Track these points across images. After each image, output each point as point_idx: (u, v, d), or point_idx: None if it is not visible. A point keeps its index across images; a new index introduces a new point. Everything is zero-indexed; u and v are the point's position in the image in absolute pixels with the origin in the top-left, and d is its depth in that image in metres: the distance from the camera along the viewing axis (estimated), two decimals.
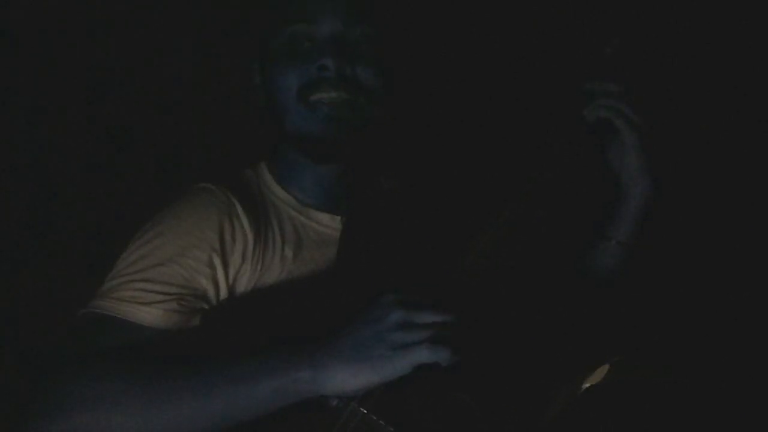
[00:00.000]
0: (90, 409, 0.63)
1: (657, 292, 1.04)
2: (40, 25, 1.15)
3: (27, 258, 1.16)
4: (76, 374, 0.66)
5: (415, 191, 1.00)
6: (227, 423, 0.66)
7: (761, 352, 1.01)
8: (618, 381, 0.78)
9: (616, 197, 0.89)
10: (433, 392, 0.70)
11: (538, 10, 1.22)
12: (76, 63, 1.17)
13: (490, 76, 1.26)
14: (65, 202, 1.18)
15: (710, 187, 1.18)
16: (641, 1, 0.99)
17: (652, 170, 0.87)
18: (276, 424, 0.67)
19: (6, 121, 1.15)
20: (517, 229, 0.79)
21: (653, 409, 0.79)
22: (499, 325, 0.84)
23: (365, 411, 0.67)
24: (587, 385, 0.78)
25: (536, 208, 0.80)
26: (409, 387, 0.66)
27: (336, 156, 0.87)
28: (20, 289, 1.16)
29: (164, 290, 0.74)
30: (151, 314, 0.72)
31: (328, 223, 0.89)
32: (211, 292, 0.78)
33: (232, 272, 0.80)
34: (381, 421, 0.67)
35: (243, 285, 0.81)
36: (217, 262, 0.78)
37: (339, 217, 0.89)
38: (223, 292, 0.79)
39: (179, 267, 0.75)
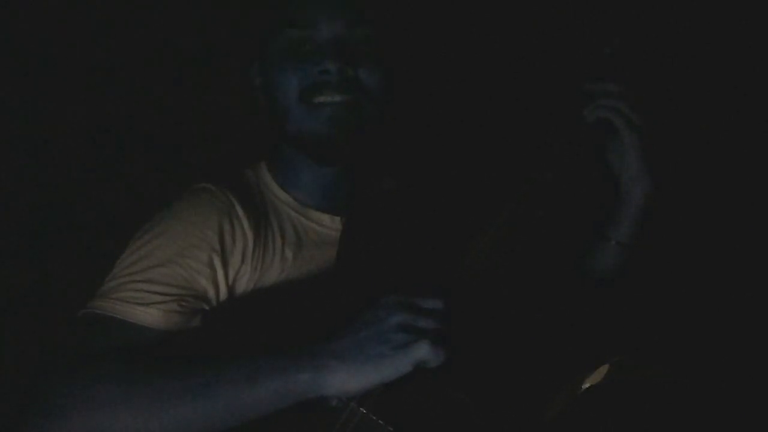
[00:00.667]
0: (89, 410, 0.63)
1: (657, 292, 1.04)
2: (40, 25, 1.15)
3: (27, 258, 1.17)
4: (76, 375, 0.66)
5: (415, 192, 1.00)
6: (227, 424, 0.66)
7: (761, 352, 1.01)
8: (618, 381, 0.78)
9: (616, 197, 0.89)
10: (432, 392, 0.70)
11: (538, 10, 1.22)
12: (76, 63, 1.18)
13: (490, 76, 1.26)
14: (65, 202, 1.18)
15: (710, 187, 1.18)
16: (641, 1, 0.99)
17: (652, 170, 0.86)
18: (276, 424, 0.67)
19: (6, 121, 1.15)
20: (517, 229, 0.79)
21: (653, 409, 0.79)
22: (498, 325, 0.85)
23: (365, 411, 0.67)
24: (587, 385, 0.78)
25: (536, 209, 0.80)
26: (409, 387, 0.67)
27: (338, 157, 0.87)
28: (20, 289, 1.16)
29: (164, 291, 0.74)
30: (151, 315, 0.72)
31: (328, 224, 0.89)
32: (211, 293, 0.78)
33: (232, 273, 0.80)
34: (380, 421, 0.67)
35: (243, 286, 0.81)
36: (217, 262, 0.78)
37: (339, 218, 0.89)
38: (223, 293, 0.79)
39: (179, 267, 0.75)
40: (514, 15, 1.24)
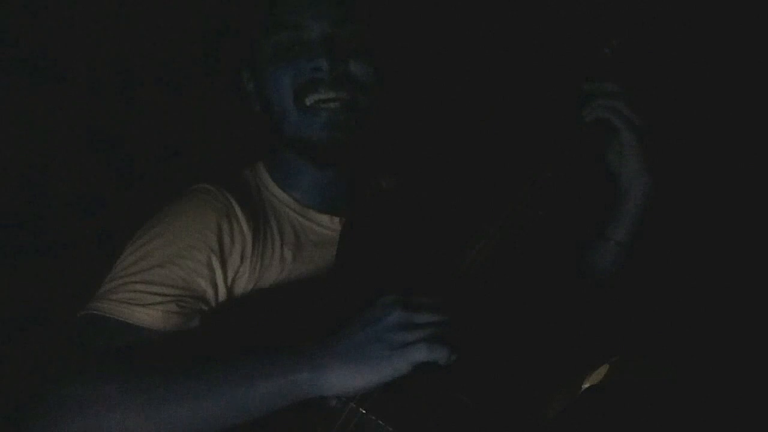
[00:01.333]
0: (89, 410, 0.63)
1: (657, 292, 1.04)
2: (40, 26, 1.15)
3: (26, 258, 1.16)
4: (75, 376, 0.66)
5: (415, 192, 1.00)
6: (227, 424, 0.66)
7: (761, 352, 1.01)
8: (618, 381, 0.78)
9: (615, 197, 0.89)
10: (431, 392, 0.70)
11: (538, 10, 1.22)
12: (75, 63, 1.17)
13: (490, 76, 1.26)
14: (63, 202, 1.18)
15: (710, 187, 1.18)
16: (641, 1, 0.99)
17: (651, 170, 0.87)
18: (275, 424, 0.67)
19: (6, 121, 1.15)
20: (516, 228, 0.79)
21: (653, 409, 0.79)
22: (498, 325, 0.84)
23: (364, 411, 0.67)
24: (587, 385, 0.78)
25: (536, 208, 0.80)
26: (408, 387, 0.67)
27: (336, 159, 0.87)
28: (20, 289, 1.16)
29: (163, 291, 0.74)
30: (149, 316, 0.72)
31: (327, 224, 0.89)
32: (209, 294, 0.78)
33: (230, 273, 0.80)
34: (380, 421, 0.67)
35: (242, 286, 0.81)
36: (216, 263, 0.78)
37: (338, 218, 0.89)
38: (222, 294, 0.79)
39: (178, 268, 0.75)
40: (514, 15, 1.24)
